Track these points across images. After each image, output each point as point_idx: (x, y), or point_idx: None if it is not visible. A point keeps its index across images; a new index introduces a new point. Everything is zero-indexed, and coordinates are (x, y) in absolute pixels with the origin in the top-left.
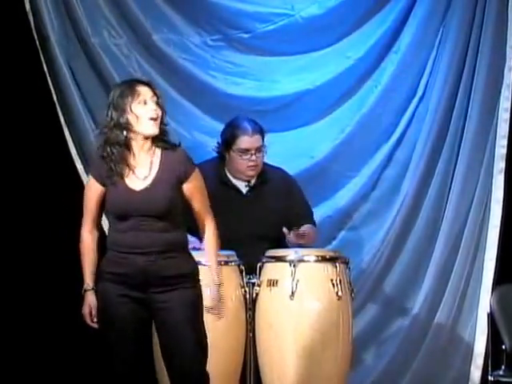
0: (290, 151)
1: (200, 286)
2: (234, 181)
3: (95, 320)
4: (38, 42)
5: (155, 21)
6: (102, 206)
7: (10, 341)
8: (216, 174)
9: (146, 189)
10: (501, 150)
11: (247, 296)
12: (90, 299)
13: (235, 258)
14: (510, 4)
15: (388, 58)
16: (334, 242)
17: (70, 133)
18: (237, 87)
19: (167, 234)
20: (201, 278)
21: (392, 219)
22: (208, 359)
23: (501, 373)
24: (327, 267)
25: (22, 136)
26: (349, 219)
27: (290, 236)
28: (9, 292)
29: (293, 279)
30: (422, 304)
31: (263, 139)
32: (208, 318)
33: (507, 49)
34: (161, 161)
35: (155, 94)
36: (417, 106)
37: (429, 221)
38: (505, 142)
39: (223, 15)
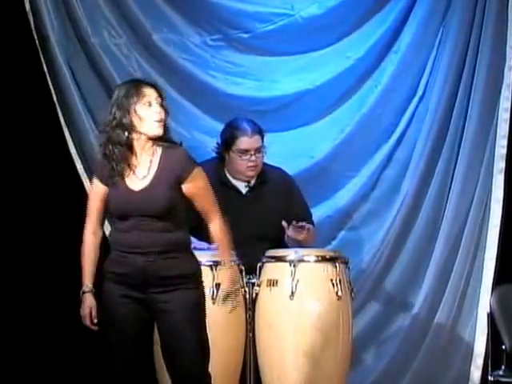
0: (290, 151)
1: (203, 287)
2: (233, 181)
3: (95, 321)
4: (37, 42)
5: (155, 21)
6: (107, 206)
7: (10, 341)
8: (215, 174)
9: (145, 189)
10: (501, 149)
11: (247, 296)
12: (89, 301)
13: (235, 258)
14: (509, 4)
15: (388, 58)
16: (334, 242)
17: (70, 133)
18: (237, 87)
19: (168, 234)
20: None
21: (392, 219)
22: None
23: (501, 373)
24: (327, 267)
25: (22, 136)
26: (349, 219)
27: (290, 230)
28: (9, 292)
29: (293, 279)
30: (421, 304)
31: (263, 140)
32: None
33: (507, 49)
34: (160, 160)
35: (160, 95)
36: (417, 106)
37: (429, 220)
38: (505, 142)
39: (223, 15)
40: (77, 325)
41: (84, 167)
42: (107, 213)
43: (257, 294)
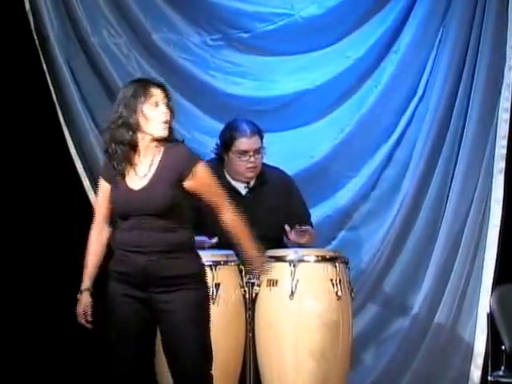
0: (290, 151)
1: (207, 287)
2: (233, 182)
3: (89, 319)
4: (37, 42)
5: (155, 20)
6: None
7: (9, 341)
8: (215, 175)
9: (144, 188)
10: (501, 150)
11: (247, 296)
12: (85, 299)
13: (234, 258)
14: (509, 4)
15: (388, 58)
16: (334, 242)
17: (70, 132)
18: (236, 87)
19: (171, 234)
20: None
21: (392, 219)
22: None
23: (500, 373)
24: (327, 267)
25: (22, 135)
26: (348, 219)
27: (292, 234)
28: (9, 292)
29: (292, 279)
30: (421, 304)
31: (262, 141)
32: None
33: (507, 49)
34: (161, 159)
35: (167, 96)
36: (417, 106)
37: (429, 220)
38: (505, 143)
39: (223, 15)
40: (77, 325)
41: (83, 167)
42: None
43: (257, 294)
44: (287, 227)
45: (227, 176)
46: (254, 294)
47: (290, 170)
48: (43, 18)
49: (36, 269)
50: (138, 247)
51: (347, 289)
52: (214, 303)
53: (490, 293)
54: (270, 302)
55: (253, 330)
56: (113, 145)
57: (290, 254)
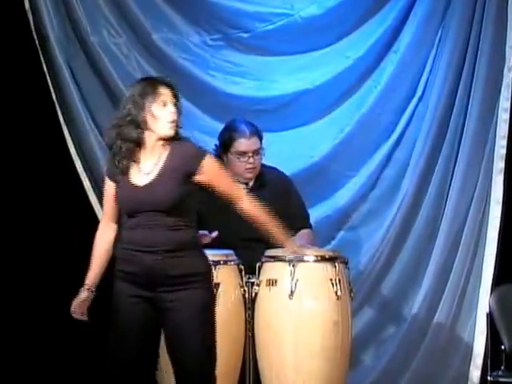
0: (290, 151)
1: (213, 286)
2: None
3: (84, 316)
4: (37, 41)
5: (155, 20)
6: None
7: (9, 341)
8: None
9: (150, 184)
10: (500, 150)
11: (246, 295)
12: (82, 295)
13: (234, 258)
14: (509, 3)
15: (388, 58)
16: (334, 242)
17: (70, 132)
18: (236, 87)
19: (177, 232)
20: None
21: (391, 218)
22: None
23: (500, 373)
24: (326, 267)
25: (22, 135)
26: (348, 219)
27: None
28: (8, 292)
29: (292, 279)
30: (421, 303)
31: (261, 141)
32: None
33: (507, 49)
34: (168, 157)
35: (175, 95)
36: (416, 106)
37: (429, 219)
38: (504, 143)
39: (223, 15)
40: (77, 325)
41: (83, 167)
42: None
43: (256, 294)
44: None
45: None
46: (253, 294)
47: (289, 169)
48: (43, 17)
49: (36, 269)
50: (144, 246)
51: (347, 289)
52: None
53: (489, 292)
54: (269, 301)
55: (252, 330)
56: (118, 142)
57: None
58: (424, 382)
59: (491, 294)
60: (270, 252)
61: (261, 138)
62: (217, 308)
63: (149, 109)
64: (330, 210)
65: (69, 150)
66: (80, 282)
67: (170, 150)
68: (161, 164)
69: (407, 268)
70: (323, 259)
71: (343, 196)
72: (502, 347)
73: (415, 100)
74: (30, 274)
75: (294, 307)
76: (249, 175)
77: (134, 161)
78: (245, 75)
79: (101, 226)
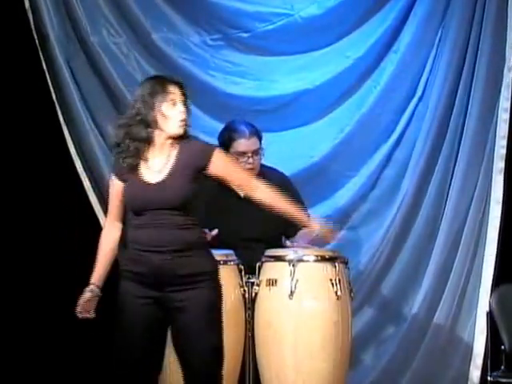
0: (290, 151)
1: (220, 285)
2: None
3: (90, 314)
4: (37, 41)
5: (155, 20)
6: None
7: (9, 341)
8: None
9: (162, 181)
10: (500, 150)
11: (246, 295)
12: (87, 295)
13: (234, 258)
14: (509, 3)
15: (388, 58)
16: (333, 242)
17: (69, 132)
18: (236, 87)
19: (185, 231)
20: None
21: (391, 218)
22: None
23: (500, 373)
24: (326, 267)
25: (21, 135)
26: (348, 219)
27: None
28: (8, 292)
29: (292, 279)
30: (421, 303)
31: (260, 142)
32: None
33: (507, 49)
34: (178, 155)
35: (184, 94)
36: (416, 106)
37: (429, 219)
38: (504, 143)
39: (223, 15)
40: (77, 325)
41: (83, 167)
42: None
43: (256, 294)
44: (289, 243)
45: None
46: (253, 294)
47: (289, 169)
48: (43, 16)
49: (36, 269)
50: (152, 246)
51: (347, 289)
52: None
53: (489, 292)
54: (269, 301)
55: (252, 330)
56: (126, 141)
57: (290, 253)
58: (424, 382)
59: (491, 293)
60: (269, 252)
61: (260, 139)
62: None
63: (159, 108)
64: (330, 209)
65: (69, 150)
66: (80, 282)
67: (179, 149)
68: (171, 162)
69: (407, 268)
70: (323, 259)
71: (343, 196)
72: (502, 347)
73: (415, 100)
74: (30, 274)
75: (294, 307)
76: None
77: (142, 159)
78: (245, 75)
79: (106, 225)
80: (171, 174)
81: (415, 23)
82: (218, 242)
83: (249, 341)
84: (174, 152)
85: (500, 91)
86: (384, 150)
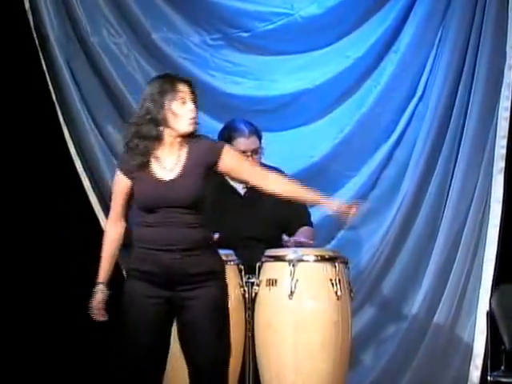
0: (290, 151)
1: (226, 285)
2: (231, 183)
3: (103, 314)
4: (37, 41)
5: (155, 20)
6: (129, 201)
7: (8, 341)
8: (214, 175)
9: (175, 179)
10: (500, 150)
11: (246, 295)
12: (99, 296)
13: (234, 258)
14: (509, 3)
15: (388, 58)
16: (333, 242)
17: (69, 132)
18: (236, 86)
19: (194, 230)
20: None
21: (392, 218)
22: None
23: (500, 373)
24: (326, 267)
25: (21, 135)
26: None
27: (290, 243)
28: (8, 292)
29: (292, 279)
30: (421, 303)
31: (260, 141)
32: None
33: (507, 48)
34: (188, 152)
35: (193, 92)
36: (416, 105)
37: (428, 219)
38: (504, 142)
39: (223, 14)
40: (77, 324)
41: (83, 167)
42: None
43: (256, 294)
44: (285, 237)
45: (226, 176)
46: (253, 294)
47: (289, 169)
48: (43, 17)
49: (36, 269)
50: (163, 245)
51: (346, 289)
52: None
53: (489, 293)
54: (269, 301)
55: (252, 330)
56: (135, 140)
57: (290, 253)
58: (424, 382)
59: (491, 293)
60: (269, 252)
61: (260, 138)
62: None
63: (169, 107)
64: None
65: (69, 150)
66: (80, 282)
67: (188, 148)
68: (182, 161)
69: (407, 268)
70: (323, 259)
71: (343, 196)
72: (502, 347)
73: (415, 100)
74: (30, 274)
75: (294, 307)
76: None
77: (153, 157)
78: (245, 75)
79: (110, 223)
80: (183, 173)
81: (415, 23)
82: (218, 241)
83: (249, 341)
84: (184, 150)
85: (500, 91)
86: (384, 149)
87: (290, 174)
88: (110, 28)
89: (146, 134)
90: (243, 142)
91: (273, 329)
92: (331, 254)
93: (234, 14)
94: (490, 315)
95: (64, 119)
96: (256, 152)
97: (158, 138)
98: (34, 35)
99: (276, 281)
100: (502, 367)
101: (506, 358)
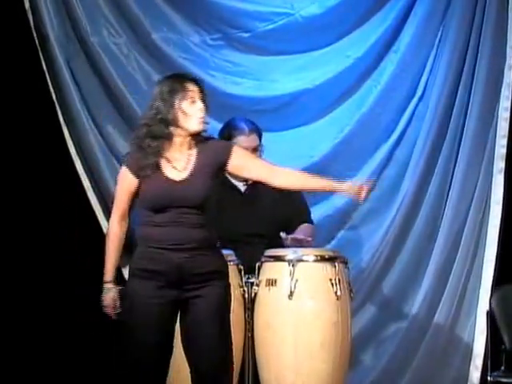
0: (290, 151)
1: (230, 284)
2: (232, 180)
3: (117, 311)
4: (37, 41)
5: (155, 20)
6: (133, 199)
7: (8, 341)
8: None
9: (186, 179)
10: (500, 149)
11: (246, 295)
12: (110, 293)
13: (234, 258)
14: (509, 3)
15: (388, 58)
16: (333, 242)
17: (69, 132)
18: (236, 86)
19: (201, 230)
20: None
21: (392, 218)
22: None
23: (500, 373)
24: (326, 267)
25: (21, 135)
26: (348, 219)
27: (288, 241)
28: (8, 292)
29: (291, 279)
30: (421, 303)
31: (260, 139)
32: None
33: (507, 48)
34: (198, 153)
35: (202, 91)
36: (416, 105)
37: (429, 219)
38: (504, 142)
39: (223, 14)
40: (77, 324)
41: (83, 167)
42: (134, 206)
43: (256, 294)
44: (283, 234)
45: (226, 174)
46: (253, 294)
47: None
48: (43, 16)
49: (36, 269)
50: (172, 244)
51: (346, 289)
52: None
53: (489, 293)
54: (268, 301)
55: (252, 330)
56: (147, 140)
57: (289, 253)
58: (424, 382)
59: (491, 293)
60: (269, 252)
61: (260, 136)
62: None
63: (179, 106)
64: (330, 209)
65: (69, 150)
66: (80, 282)
67: (198, 148)
68: (193, 161)
69: (407, 268)
70: (323, 259)
71: (343, 196)
72: (502, 347)
73: (415, 100)
74: (29, 274)
75: (294, 307)
76: None
77: (163, 157)
78: (245, 75)
79: (113, 222)
80: (193, 173)
81: (415, 23)
82: (219, 239)
83: (248, 341)
84: (194, 150)
85: (500, 91)
86: (384, 149)
87: None
88: (110, 28)
89: (158, 134)
90: (243, 140)
91: (272, 329)
92: (331, 253)
93: (234, 14)
94: (490, 315)
95: (64, 119)
96: (256, 150)
97: (168, 138)
98: (34, 35)
99: (276, 281)
100: (502, 367)
101: (506, 358)
